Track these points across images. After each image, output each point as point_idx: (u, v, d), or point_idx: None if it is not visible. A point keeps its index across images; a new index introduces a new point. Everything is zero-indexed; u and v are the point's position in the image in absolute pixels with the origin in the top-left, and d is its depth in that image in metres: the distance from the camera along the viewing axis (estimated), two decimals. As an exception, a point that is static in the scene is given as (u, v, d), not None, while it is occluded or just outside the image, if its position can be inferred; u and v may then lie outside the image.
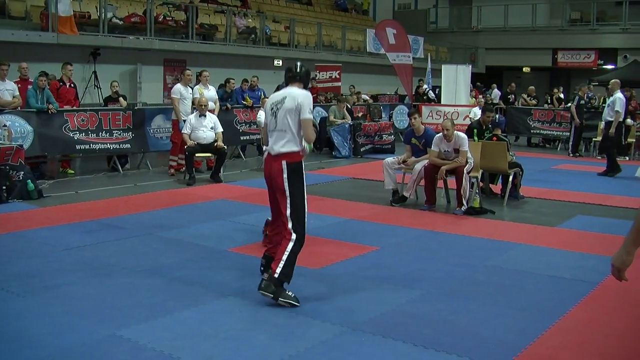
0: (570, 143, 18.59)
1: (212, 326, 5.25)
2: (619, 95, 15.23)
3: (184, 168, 12.90)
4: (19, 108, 12.35)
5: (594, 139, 18.22)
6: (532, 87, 23.16)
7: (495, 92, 25.17)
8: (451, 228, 9.04)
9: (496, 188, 11.61)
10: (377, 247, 7.87)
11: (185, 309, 5.61)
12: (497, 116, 16.01)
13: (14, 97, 12.37)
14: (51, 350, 4.74)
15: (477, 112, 17.46)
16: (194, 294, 6.06)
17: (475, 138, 11.19)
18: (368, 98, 22.74)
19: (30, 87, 12.65)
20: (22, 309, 5.58)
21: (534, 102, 22.47)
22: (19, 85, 12.71)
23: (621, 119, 15.38)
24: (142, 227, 8.64)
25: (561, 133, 20.37)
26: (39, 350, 4.75)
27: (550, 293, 6.31)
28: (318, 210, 10.07)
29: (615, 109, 15.01)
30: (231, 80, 16.51)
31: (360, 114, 19.40)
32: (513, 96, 23.04)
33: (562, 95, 22.38)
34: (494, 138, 11.19)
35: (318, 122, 18.40)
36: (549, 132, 20.91)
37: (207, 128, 12.56)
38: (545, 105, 22.39)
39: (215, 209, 10.09)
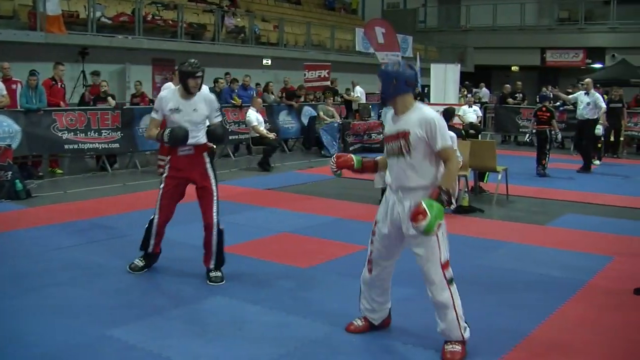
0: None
1: (200, 325, 5.29)
2: (597, 93, 15.24)
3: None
4: (4, 108, 12.30)
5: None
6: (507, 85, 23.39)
7: (484, 91, 25.17)
8: (440, 227, 9.00)
9: (485, 185, 11.64)
10: (366, 246, 7.83)
11: (173, 309, 5.63)
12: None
13: (2, 95, 12.32)
14: (44, 349, 4.74)
15: (465, 110, 17.53)
16: (185, 291, 6.10)
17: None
18: (359, 95, 22.46)
19: (22, 86, 12.60)
20: (13, 310, 5.57)
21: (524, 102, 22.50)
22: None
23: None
24: (132, 227, 8.59)
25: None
26: (31, 349, 4.75)
27: (540, 291, 6.33)
28: (307, 209, 10.11)
29: (602, 105, 15.02)
30: (220, 80, 16.47)
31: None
32: (522, 95, 22.80)
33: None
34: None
35: (307, 121, 18.40)
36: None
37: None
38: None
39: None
